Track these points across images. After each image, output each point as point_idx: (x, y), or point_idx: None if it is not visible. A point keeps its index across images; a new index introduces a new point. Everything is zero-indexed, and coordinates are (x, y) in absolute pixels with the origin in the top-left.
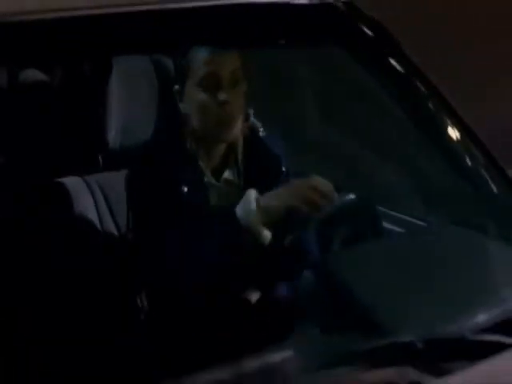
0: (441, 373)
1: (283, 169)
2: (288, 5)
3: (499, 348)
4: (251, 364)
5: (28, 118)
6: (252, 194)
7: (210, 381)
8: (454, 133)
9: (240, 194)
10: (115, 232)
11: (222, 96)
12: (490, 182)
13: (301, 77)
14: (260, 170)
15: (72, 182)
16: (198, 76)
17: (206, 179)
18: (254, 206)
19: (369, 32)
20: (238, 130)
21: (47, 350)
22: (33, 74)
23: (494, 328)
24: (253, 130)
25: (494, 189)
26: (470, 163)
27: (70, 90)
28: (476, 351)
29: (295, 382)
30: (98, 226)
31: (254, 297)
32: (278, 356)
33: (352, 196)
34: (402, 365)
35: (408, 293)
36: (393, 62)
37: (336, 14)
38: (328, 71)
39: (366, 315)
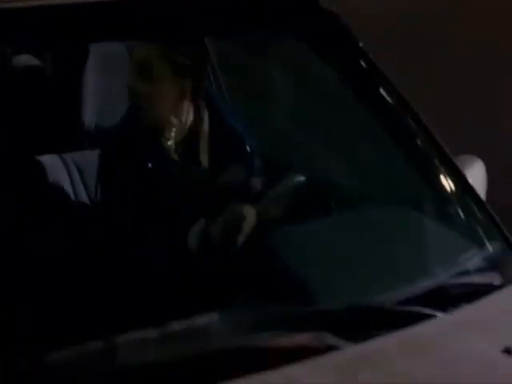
0: (358, 339)
1: (247, 149)
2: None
3: (418, 318)
4: (177, 325)
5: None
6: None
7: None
8: (401, 118)
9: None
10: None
11: (141, 86)
12: (432, 166)
13: (261, 65)
14: (224, 149)
15: (49, 160)
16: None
17: (169, 158)
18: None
19: (325, 24)
20: (166, 115)
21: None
22: (25, 59)
23: (414, 300)
24: (218, 114)
25: (434, 173)
26: (416, 148)
27: (56, 74)
28: (394, 321)
29: (219, 344)
30: (73, 198)
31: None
32: (203, 318)
33: (301, 177)
34: (321, 330)
35: (339, 264)
36: (346, 51)
37: (297, 7)
38: (287, 59)
39: (293, 283)
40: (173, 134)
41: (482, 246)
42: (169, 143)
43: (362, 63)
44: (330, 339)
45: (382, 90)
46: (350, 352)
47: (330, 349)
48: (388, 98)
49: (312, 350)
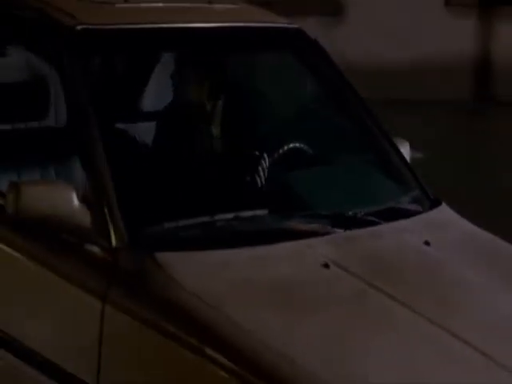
0: (344, 228)
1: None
2: (267, 27)
3: (372, 223)
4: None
5: None
6: None
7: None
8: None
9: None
10: None
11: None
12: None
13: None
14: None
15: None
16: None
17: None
18: None
19: (308, 46)
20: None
21: None
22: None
23: (371, 214)
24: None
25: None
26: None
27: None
28: (359, 223)
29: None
30: None
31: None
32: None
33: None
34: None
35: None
36: (321, 65)
37: (290, 34)
38: (279, 69)
39: (299, 198)
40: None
41: (409, 189)
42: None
43: (330, 70)
44: (329, 228)
45: (346, 90)
46: (340, 235)
47: (328, 232)
48: (350, 97)
49: (318, 232)
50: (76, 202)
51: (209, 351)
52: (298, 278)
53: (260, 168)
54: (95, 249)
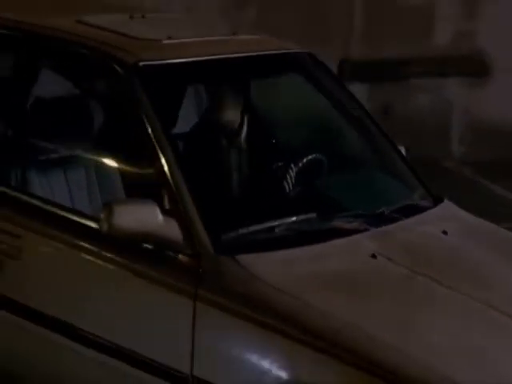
0: (375, 226)
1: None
2: (282, 53)
3: (395, 220)
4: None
5: None
6: None
7: None
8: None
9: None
10: None
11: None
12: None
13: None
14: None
15: None
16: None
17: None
18: None
19: (317, 67)
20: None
21: None
22: None
23: (393, 211)
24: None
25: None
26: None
27: None
28: (386, 220)
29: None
30: None
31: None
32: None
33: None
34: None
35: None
36: (329, 83)
37: (302, 58)
38: (291, 89)
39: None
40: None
41: (417, 188)
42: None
43: (335, 85)
44: (366, 225)
45: (350, 102)
46: (377, 230)
47: (366, 229)
48: (354, 108)
49: (359, 229)
50: (160, 216)
51: (297, 334)
52: (354, 268)
53: (292, 177)
54: (182, 256)
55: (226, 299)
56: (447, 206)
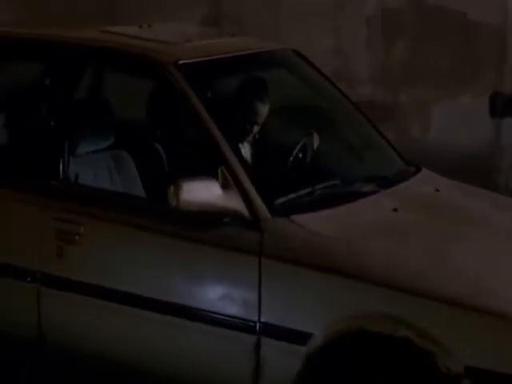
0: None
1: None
2: (265, 51)
3: (397, 181)
4: None
5: None
6: None
7: None
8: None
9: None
10: None
11: None
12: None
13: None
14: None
15: None
16: None
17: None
18: None
19: (301, 61)
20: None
21: None
22: None
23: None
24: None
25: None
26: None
27: None
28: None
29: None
30: None
31: None
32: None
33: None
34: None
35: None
36: (313, 75)
37: (287, 55)
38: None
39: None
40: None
41: (401, 158)
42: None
43: (321, 77)
44: (377, 187)
45: (336, 91)
46: (389, 191)
47: (379, 190)
48: (340, 95)
49: (375, 190)
50: (221, 190)
51: (359, 272)
52: (385, 219)
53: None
54: (244, 221)
55: (288, 252)
56: (427, 172)
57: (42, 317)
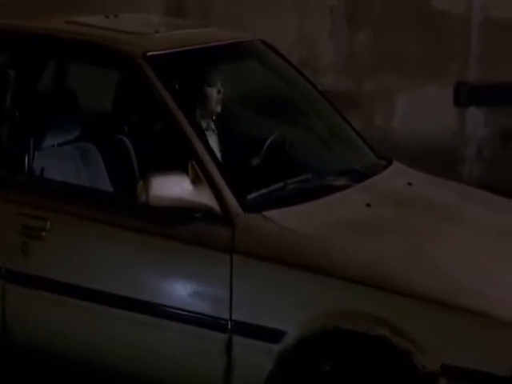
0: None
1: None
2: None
3: (369, 176)
4: None
5: None
6: None
7: None
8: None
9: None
10: None
11: None
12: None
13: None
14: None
15: None
16: None
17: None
18: None
19: (270, 52)
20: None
21: None
22: None
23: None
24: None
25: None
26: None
27: None
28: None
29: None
30: None
31: None
32: None
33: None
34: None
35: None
36: (283, 66)
37: (256, 45)
38: (248, 72)
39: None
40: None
41: (372, 151)
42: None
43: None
44: (349, 181)
45: (305, 82)
46: (361, 185)
47: (350, 185)
48: (311, 88)
49: (347, 185)
50: (192, 185)
51: (330, 269)
52: (358, 215)
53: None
54: (214, 217)
55: (260, 248)
56: (398, 165)
57: (7, 314)
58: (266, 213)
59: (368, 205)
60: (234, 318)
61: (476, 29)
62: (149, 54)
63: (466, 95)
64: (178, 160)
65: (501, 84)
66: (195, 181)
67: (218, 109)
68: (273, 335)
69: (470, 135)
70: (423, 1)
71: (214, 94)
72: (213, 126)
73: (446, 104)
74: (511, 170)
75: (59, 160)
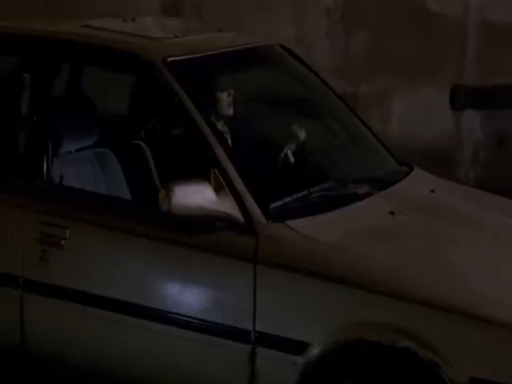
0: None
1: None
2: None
3: (390, 184)
4: None
5: None
6: None
7: None
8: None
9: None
10: None
11: None
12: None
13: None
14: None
15: None
16: None
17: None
18: None
19: (289, 56)
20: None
21: None
22: None
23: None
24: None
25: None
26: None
27: None
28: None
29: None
30: None
31: None
32: None
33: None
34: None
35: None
36: (302, 70)
37: (275, 50)
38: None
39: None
40: None
41: (393, 157)
42: None
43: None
44: (372, 189)
45: (325, 87)
46: (384, 192)
47: (374, 192)
48: (330, 93)
49: (370, 192)
50: (215, 194)
51: (356, 281)
52: (382, 223)
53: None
54: (238, 227)
55: (284, 258)
56: (419, 171)
57: (25, 323)
58: (289, 222)
59: (392, 213)
60: (257, 328)
61: (472, 31)
62: (169, 59)
63: (463, 98)
64: (198, 166)
65: (497, 87)
66: (217, 189)
67: (230, 112)
68: (297, 347)
69: (466, 138)
70: (420, 3)
71: (225, 97)
72: (227, 130)
73: (442, 106)
74: (507, 173)
75: (77, 166)
